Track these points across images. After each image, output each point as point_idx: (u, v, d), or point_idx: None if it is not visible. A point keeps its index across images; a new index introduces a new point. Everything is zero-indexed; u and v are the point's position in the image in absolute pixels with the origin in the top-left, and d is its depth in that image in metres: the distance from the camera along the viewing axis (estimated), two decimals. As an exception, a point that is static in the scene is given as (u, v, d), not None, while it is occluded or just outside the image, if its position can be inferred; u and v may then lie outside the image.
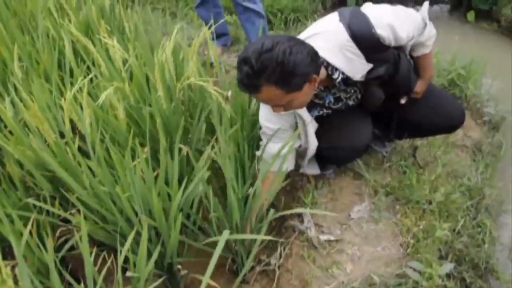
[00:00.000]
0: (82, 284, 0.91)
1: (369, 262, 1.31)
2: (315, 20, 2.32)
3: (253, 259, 1.20)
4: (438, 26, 1.30)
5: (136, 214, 1.06)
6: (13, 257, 0.96)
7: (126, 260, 0.97)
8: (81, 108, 1.13)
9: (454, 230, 1.40)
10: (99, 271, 0.93)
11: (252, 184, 1.22)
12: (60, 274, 0.96)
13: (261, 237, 1.11)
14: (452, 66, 2.15)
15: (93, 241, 1.14)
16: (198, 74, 1.39)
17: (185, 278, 1.22)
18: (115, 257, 1.01)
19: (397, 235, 1.38)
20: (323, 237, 1.37)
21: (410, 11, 1.21)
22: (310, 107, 1.34)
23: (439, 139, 1.78)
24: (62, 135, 1.22)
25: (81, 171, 1.10)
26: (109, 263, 0.98)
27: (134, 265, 0.97)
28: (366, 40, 1.14)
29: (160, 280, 1.02)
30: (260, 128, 1.37)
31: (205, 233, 1.18)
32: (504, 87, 2.22)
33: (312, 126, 1.35)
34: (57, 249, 1.13)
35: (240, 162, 1.33)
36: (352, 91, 1.35)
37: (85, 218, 0.98)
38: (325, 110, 1.40)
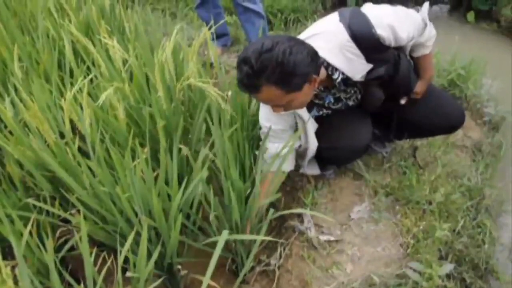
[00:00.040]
0: (82, 284, 0.91)
1: (369, 262, 1.31)
2: (315, 20, 2.31)
3: (253, 259, 1.20)
4: (438, 26, 1.30)
5: (136, 215, 1.06)
6: (13, 257, 0.96)
7: (126, 260, 0.97)
8: (81, 108, 1.13)
9: (454, 230, 1.40)
10: (99, 272, 0.93)
11: (252, 184, 1.22)
12: (60, 275, 0.96)
13: (261, 237, 1.11)
14: (452, 66, 2.15)
15: (93, 242, 1.14)
16: (198, 75, 1.39)
17: (185, 278, 1.22)
18: (115, 258, 1.01)
19: (397, 236, 1.38)
20: (323, 238, 1.37)
21: (410, 11, 1.21)
22: (310, 107, 1.34)
23: (439, 140, 1.78)
24: (62, 135, 1.22)
25: (81, 171, 1.10)
26: (109, 263, 0.98)
27: (134, 265, 0.97)
28: (366, 40, 1.14)
29: (160, 280, 1.02)
30: (260, 128, 1.37)
31: (205, 233, 1.18)
32: (504, 87, 2.22)
33: (312, 127, 1.35)
34: (57, 249, 1.13)
35: (240, 162, 1.33)
36: (352, 91, 1.35)
37: (85, 218, 0.98)
38: (325, 111, 1.40)
